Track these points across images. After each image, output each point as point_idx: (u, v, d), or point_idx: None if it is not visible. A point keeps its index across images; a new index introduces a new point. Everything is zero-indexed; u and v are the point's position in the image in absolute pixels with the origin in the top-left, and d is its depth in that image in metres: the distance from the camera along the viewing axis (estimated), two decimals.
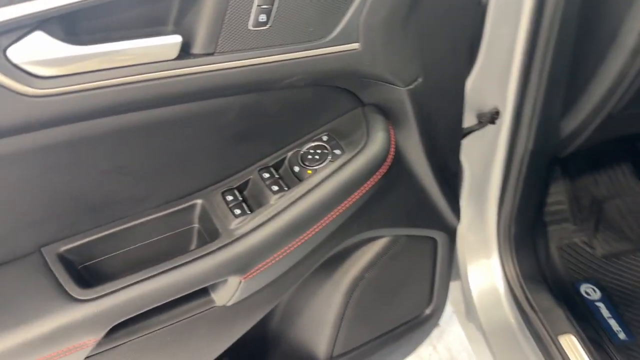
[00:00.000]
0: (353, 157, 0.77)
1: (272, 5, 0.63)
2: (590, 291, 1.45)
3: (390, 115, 0.83)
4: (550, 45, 0.99)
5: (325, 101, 0.80)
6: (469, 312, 1.43)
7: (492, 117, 1.15)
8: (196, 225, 0.77)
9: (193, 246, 0.78)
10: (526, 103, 1.10)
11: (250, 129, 0.76)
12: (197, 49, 0.63)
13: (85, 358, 0.69)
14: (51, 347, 0.65)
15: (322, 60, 0.70)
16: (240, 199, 0.76)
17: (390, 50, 0.73)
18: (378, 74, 0.75)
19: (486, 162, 1.26)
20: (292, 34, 0.67)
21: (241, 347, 0.85)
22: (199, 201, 0.76)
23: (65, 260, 0.69)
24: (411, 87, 0.78)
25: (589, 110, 1.06)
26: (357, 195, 0.79)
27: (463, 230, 1.35)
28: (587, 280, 1.47)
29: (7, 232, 0.67)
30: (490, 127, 1.15)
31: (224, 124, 0.73)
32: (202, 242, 0.77)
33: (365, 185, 0.79)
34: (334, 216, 0.78)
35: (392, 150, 0.81)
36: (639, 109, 1.10)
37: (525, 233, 1.37)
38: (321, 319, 1.00)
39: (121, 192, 0.72)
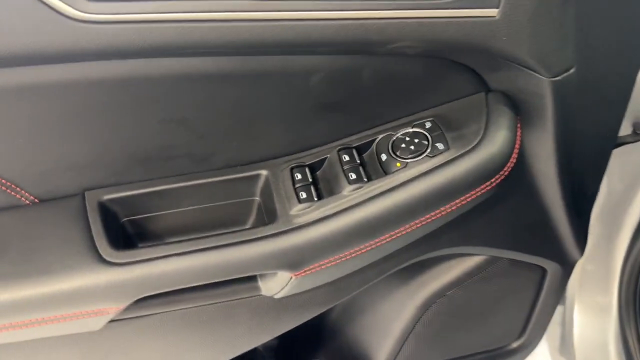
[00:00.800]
0: (459, 156, 0.60)
1: None
2: None
3: (521, 110, 0.64)
4: None
5: (438, 78, 0.62)
6: (564, 348, 1.22)
7: None
8: (257, 198, 0.66)
9: (250, 222, 0.67)
10: None
11: (338, 98, 0.62)
12: None
13: (109, 321, 0.62)
14: (68, 307, 0.58)
15: (442, 26, 0.53)
16: (310, 180, 0.63)
17: (540, 26, 0.54)
18: (517, 55, 0.56)
19: (631, 182, 1.02)
20: None
21: (291, 330, 0.74)
22: (264, 172, 0.64)
23: (106, 210, 0.62)
24: (558, 78, 0.59)
25: None
26: (455, 205, 0.62)
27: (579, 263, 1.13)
28: None
29: (51, 169, 0.60)
30: None
31: (308, 87, 0.59)
32: (260, 220, 0.66)
33: (469, 195, 0.62)
34: (420, 225, 0.63)
35: (515, 155, 0.62)
36: None
37: None
38: (386, 327, 0.87)
39: (180, 147, 0.62)
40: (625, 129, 0.92)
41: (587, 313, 1.17)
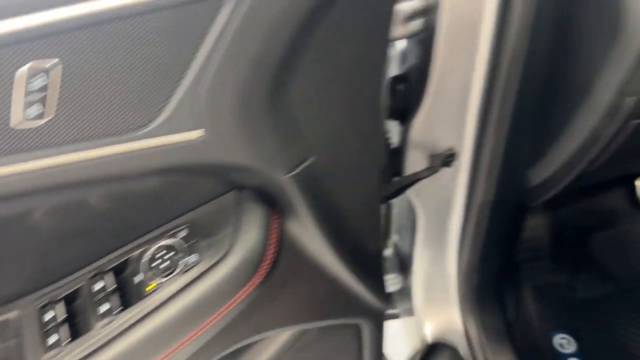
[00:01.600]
0: (210, 268, 0.58)
1: (47, 92, 0.43)
2: (564, 343, 1.28)
3: (275, 202, 0.63)
4: (512, 87, 0.79)
5: (180, 186, 0.60)
6: None
7: (447, 159, 0.96)
8: (12, 342, 0.59)
9: None
10: (485, 148, 0.91)
11: (74, 225, 0.57)
12: None
13: None
14: None
15: (149, 156, 0.50)
16: (64, 316, 0.57)
17: (250, 136, 0.53)
18: (242, 165, 0.55)
19: (443, 206, 1.07)
20: (89, 126, 0.47)
21: None
22: (11, 315, 0.58)
23: None
24: (296, 171, 0.58)
25: (559, 165, 0.86)
26: (219, 314, 0.60)
27: (420, 281, 1.17)
28: (563, 330, 1.29)
29: None
30: (447, 169, 0.96)
31: (31, 225, 0.54)
32: None
33: (232, 300, 0.60)
34: (188, 342, 0.60)
35: (271, 252, 0.61)
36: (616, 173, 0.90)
37: (490, 281, 1.19)
38: None
39: None
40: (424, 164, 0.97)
41: (436, 335, 1.23)
